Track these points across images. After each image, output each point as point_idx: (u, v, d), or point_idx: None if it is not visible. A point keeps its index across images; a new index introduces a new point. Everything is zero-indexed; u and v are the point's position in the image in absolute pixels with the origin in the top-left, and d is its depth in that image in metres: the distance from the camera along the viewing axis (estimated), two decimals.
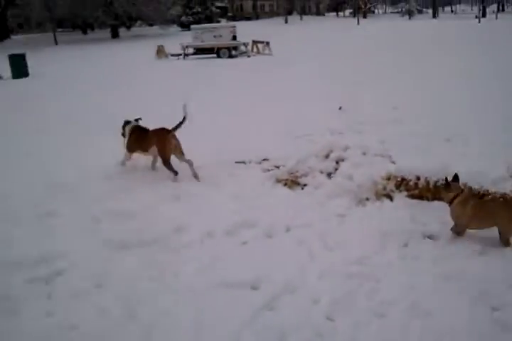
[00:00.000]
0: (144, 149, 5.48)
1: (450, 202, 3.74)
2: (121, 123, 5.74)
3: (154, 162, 5.67)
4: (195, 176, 5.37)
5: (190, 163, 5.43)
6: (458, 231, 3.74)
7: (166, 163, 5.34)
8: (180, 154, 5.45)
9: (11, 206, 4.77)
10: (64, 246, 3.91)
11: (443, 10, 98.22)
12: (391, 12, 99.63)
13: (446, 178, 3.83)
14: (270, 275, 3.35)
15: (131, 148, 5.56)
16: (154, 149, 5.39)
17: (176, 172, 5.33)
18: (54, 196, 4.95)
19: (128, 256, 3.75)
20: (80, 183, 5.25)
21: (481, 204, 3.61)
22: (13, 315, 3.13)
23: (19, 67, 18.23)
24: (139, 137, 5.50)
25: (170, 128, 5.42)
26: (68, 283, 3.44)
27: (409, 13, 77.48)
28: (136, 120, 5.82)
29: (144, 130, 5.60)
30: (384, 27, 45.62)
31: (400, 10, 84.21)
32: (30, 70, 18.51)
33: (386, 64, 15.16)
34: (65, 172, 5.62)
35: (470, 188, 4.02)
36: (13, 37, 52.41)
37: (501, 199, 3.57)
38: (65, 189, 5.13)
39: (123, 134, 5.68)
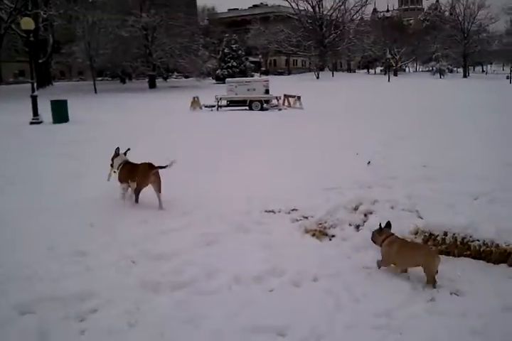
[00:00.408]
0: (133, 179, 6.27)
1: (380, 243, 4.39)
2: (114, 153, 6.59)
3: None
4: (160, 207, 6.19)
5: (159, 198, 6.23)
6: (381, 265, 4.39)
7: (137, 191, 6.26)
8: (158, 190, 6.24)
9: (51, 243, 4.98)
10: (100, 285, 4.07)
11: (473, 70, 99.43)
12: (422, 70, 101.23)
13: (380, 224, 4.49)
14: (297, 323, 3.43)
15: (122, 179, 6.37)
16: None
17: (137, 201, 6.28)
18: (91, 236, 5.18)
19: (161, 298, 3.88)
20: (117, 224, 5.48)
21: (405, 245, 4.30)
22: None
23: (60, 113, 19.05)
24: (130, 170, 6.32)
25: (156, 165, 6.24)
26: (102, 321, 3.57)
27: (440, 72, 78.58)
28: (125, 152, 6.64)
29: (133, 164, 6.48)
30: (415, 85, 46.34)
31: (430, 69, 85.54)
32: (70, 116, 19.35)
33: (416, 121, 15.43)
34: (101, 214, 5.87)
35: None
36: (54, 83, 54.86)
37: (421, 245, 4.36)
38: (102, 230, 5.35)
39: (112, 165, 6.49)
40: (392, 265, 4.35)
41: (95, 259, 4.65)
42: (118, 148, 6.62)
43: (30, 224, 5.67)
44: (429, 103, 24.63)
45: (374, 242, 4.53)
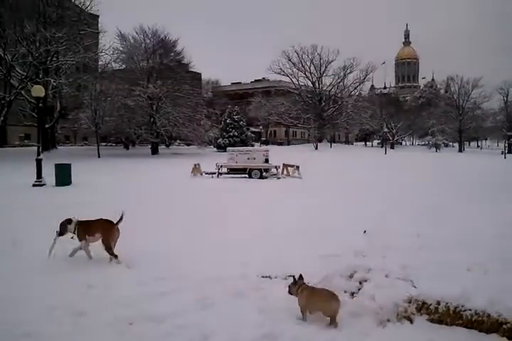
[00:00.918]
0: (92, 234, 6.66)
1: (296, 293, 4.95)
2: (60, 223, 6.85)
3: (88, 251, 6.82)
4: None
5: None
6: (302, 312, 4.88)
7: (108, 249, 6.60)
8: (115, 243, 6.75)
9: (46, 305, 5.04)
10: None
11: (469, 145, 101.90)
12: (418, 144, 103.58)
13: (293, 276, 5.11)
14: None
15: (81, 237, 6.71)
16: (99, 235, 6.65)
17: (116, 256, 6.61)
18: (87, 296, 5.26)
19: None
20: (113, 285, 5.56)
21: (312, 292, 4.86)
22: None
23: (63, 176, 19.42)
24: (85, 227, 6.70)
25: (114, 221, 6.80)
26: None
27: (436, 147, 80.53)
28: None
29: (87, 221, 6.86)
30: (410, 158, 47.30)
31: (427, 142, 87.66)
32: (72, 179, 19.68)
33: (412, 192, 15.73)
34: (95, 279, 5.96)
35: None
36: (59, 147, 55.98)
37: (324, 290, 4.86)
38: (97, 290, 5.44)
39: (61, 233, 6.75)
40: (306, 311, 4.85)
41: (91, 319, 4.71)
42: (68, 219, 6.94)
43: (32, 283, 5.75)
44: (424, 176, 25.11)
45: (291, 294, 5.06)
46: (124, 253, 7.17)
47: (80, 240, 6.76)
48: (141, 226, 9.73)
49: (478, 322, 4.43)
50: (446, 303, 4.66)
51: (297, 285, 5.02)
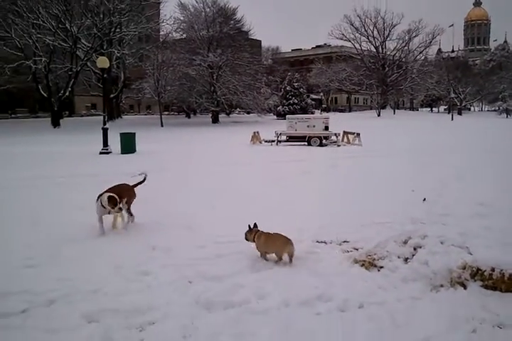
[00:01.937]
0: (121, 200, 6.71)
1: (253, 239, 5.56)
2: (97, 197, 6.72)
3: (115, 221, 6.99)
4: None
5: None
6: (262, 255, 5.54)
7: (129, 209, 7.06)
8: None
9: (114, 264, 5.42)
10: (158, 301, 4.42)
11: None
12: (488, 110, 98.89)
13: (249, 225, 5.66)
14: None
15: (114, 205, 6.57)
16: (124, 200, 6.86)
17: (132, 214, 7.09)
18: (153, 257, 5.61)
19: (213, 314, 4.18)
20: (178, 247, 5.89)
21: (268, 236, 5.48)
22: None
23: (128, 144, 20.21)
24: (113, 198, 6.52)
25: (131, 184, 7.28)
26: (159, 332, 3.89)
27: (507, 112, 76.48)
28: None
29: (111, 189, 6.91)
30: (478, 125, 45.36)
31: (497, 108, 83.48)
32: (137, 147, 20.43)
33: (477, 161, 15.24)
34: (163, 238, 6.32)
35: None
36: (124, 117, 57.77)
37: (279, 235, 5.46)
38: (162, 252, 5.79)
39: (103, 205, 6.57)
40: (265, 253, 5.52)
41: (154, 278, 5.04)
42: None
43: (101, 246, 6.17)
44: (492, 143, 24.12)
45: (247, 240, 5.65)
46: (184, 218, 7.54)
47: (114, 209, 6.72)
48: (199, 193, 10.09)
49: None
50: (501, 270, 4.62)
51: (253, 232, 5.60)
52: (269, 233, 5.55)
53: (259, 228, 5.70)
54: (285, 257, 5.45)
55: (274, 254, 5.50)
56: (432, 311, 4.20)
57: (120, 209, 6.60)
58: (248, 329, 3.92)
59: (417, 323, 3.97)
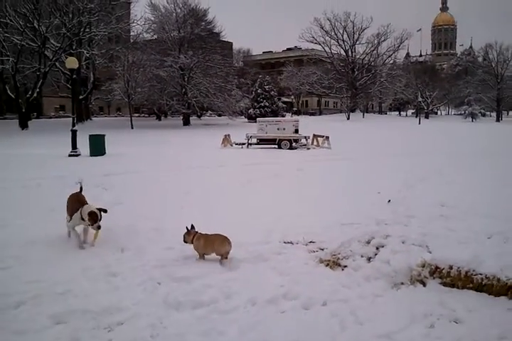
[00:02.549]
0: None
1: (191, 241, 5.68)
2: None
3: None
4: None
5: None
6: (199, 255, 5.66)
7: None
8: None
9: (83, 266, 5.46)
10: (126, 302, 4.49)
11: (507, 114, 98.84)
12: (454, 114, 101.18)
13: (186, 227, 5.76)
14: (304, 340, 3.76)
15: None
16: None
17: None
18: (122, 259, 5.67)
19: (181, 314, 4.28)
20: (146, 249, 5.96)
21: (207, 238, 5.63)
22: None
23: (97, 146, 19.98)
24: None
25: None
26: (128, 332, 3.97)
27: (472, 116, 78.47)
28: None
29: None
30: (445, 128, 46.46)
31: (463, 112, 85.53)
32: (107, 149, 20.25)
33: (440, 163, 15.67)
34: (132, 240, 6.37)
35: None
36: (93, 118, 57.04)
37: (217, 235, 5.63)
38: (133, 255, 5.87)
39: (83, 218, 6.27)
40: (203, 254, 5.66)
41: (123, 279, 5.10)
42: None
43: (69, 248, 6.19)
44: (457, 146, 24.78)
45: (186, 242, 5.77)
46: (152, 220, 7.59)
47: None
48: (167, 195, 10.15)
49: (488, 286, 4.61)
50: (458, 268, 4.84)
51: (191, 234, 5.72)
52: (207, 234, 5.70)
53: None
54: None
55: (214, 254, 5.65)
56: (393, 308, 4.39)
57: (99, 227, 6.15)
58: (216, 327, 4.03)
59: (378, 319, 4.14)
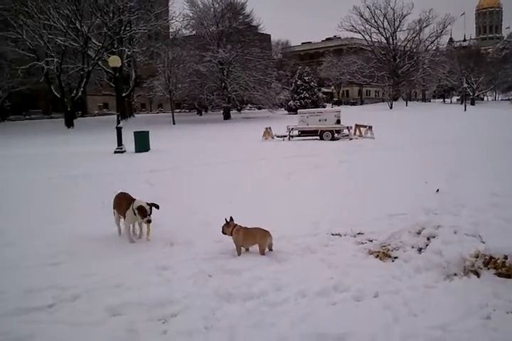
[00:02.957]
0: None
1: (230, 233, 5.68)
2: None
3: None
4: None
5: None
6: (237, 248, 5.64)
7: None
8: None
9: (134, 260, 5.60)
10: (178, 294, 4.58)
11: None
12: (501, 99, 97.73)
13: (226, 219, 5.75)
14: (357, 332, 3.73)
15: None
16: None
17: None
18: (173, 253, 5.78)
19: (233, 306, 4.32)
20: (195, 242, 6.05)
21: (247, 231, 5.61)
22: None
23: (142, 143, 20.39)
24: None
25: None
26: (181, 323, 4.05)
27: None
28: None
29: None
30: (491, 115, 44.97)
31: (511, 97, 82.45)
32: (151, 145, 20.62)
33: (487, 151, 15.22)
34: (181, 234, 6.48)
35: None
36: (136, 115, 58.10)
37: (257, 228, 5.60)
38: (182, 248, 5.98)
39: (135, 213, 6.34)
40: (241, 246, 5.66)
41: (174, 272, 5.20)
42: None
43: (121, 242, 6.36)
44: (504, 133, 23.95)
45: (225, 233, 5.78)
46: (203, 214, 7.69)
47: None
48: (215, 189, 10.25)
49: None
50: None
51: (230, 226, 5.71)
52: (247, 227, 5.68)
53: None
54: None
55: (256, 247, 5.64)
56: (446, 299, 4.30)
57: (149, 221, 6.21)
58: (267, 319, 4.06)
59: (432, 311, 4.07)
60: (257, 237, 5.58)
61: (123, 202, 6.50)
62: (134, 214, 6.23)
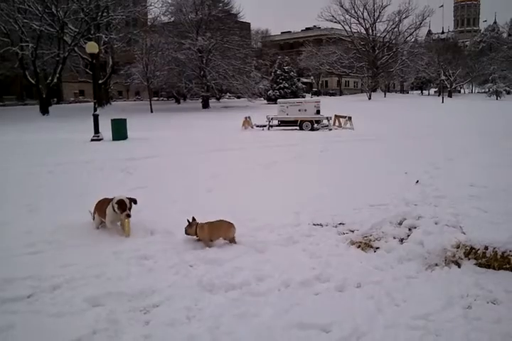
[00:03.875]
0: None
1: (195, 232, 5.66)
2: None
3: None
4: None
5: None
6: (206, 244, 5.60)
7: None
8: None
9: (114, 250, 5.50)
10: (160, 284, 4.51)
11: None
12: (478, 92, 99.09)
13: (187, 220, 5.70)
14: (340, 322, 3.73)
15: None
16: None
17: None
18: (153, 243, 5.70)
19: (215, 296, 4.29)
20: (175, 231, 5.97)
21: (211, 225, 5.62)
22: (115, 337, 3.70)
23: (120, 130, 20.03)
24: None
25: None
26: (163, 314, 3.99)
27: (497, 94, 76.67)
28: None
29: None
30: (468, 107, 45.61)
31: (487, 90, 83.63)
32: (128, 133, 20.33)
33: (466, 143, 15.41)
34: (161, 223, 6.38)
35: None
36: (113, 103, 57.24)
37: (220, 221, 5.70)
38: (163, 237, 5.90)
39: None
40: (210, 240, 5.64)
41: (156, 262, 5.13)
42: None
43: (98, 232, 6.25)
44: (481, 125, 24.31)
45: (188, 234, 5.73)
46: (182, 202, 7.60)
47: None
48: (194, 178, 10.16)
49: None
50: (494, 248, 4.76)
51: (193, 225, 5.69)
52: (209, 222, 5.70)
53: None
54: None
55: (221, 239, 5.68)
56: (428, 289, 4.33)
57: (128, 215, 6.05)
58: (251, 310, 4.03)
59: (414, 301, 4.10)
60: (222, 229, 5.65)
61: (104, 203, 6.32)
62: (114, 210, 6.06)
